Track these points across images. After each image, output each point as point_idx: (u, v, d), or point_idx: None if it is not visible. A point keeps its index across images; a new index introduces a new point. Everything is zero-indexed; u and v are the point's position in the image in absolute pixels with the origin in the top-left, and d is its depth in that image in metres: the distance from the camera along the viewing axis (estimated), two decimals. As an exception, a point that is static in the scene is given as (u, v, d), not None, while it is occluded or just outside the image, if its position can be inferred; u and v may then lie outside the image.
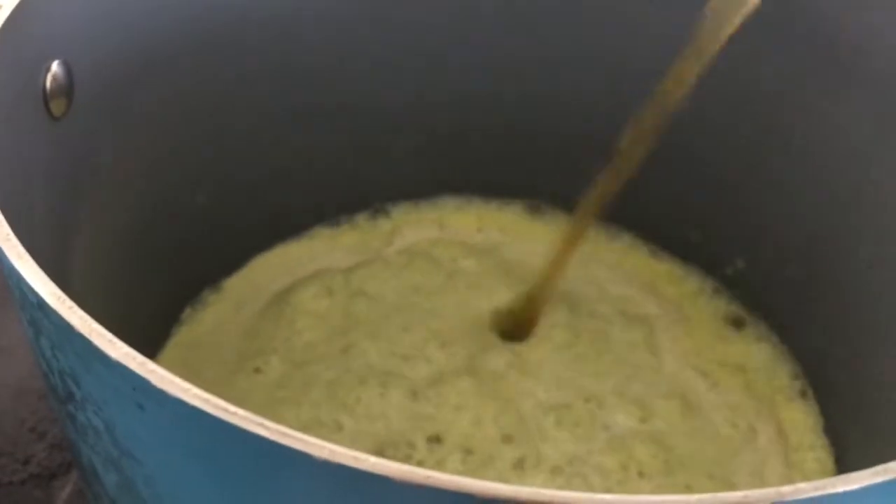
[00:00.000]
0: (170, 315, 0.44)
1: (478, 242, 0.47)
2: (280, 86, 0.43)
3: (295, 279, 0.45)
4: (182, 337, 0.43)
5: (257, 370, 0.42)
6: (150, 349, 0.42)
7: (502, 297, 0.44)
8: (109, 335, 0.21)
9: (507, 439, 0.39)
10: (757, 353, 0.44)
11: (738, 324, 0.45)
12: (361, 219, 0.48)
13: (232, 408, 0.20)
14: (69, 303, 0.22)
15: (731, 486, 0.40)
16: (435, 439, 0.39)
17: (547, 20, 0.44)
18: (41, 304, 0.23)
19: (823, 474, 0.40)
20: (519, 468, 0.38)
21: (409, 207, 0.48)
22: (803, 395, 0.43)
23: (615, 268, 0.47)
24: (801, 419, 0.42)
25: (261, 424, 0.20)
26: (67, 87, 0.31)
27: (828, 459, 0.41)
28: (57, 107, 0.31)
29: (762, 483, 0.40)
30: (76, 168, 0.34)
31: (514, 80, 0.46)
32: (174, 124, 0.40)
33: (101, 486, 0.27)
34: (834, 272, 0.42)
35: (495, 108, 0.47)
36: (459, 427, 0.39)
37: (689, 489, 0.39)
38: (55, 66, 0.31)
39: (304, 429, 0.25)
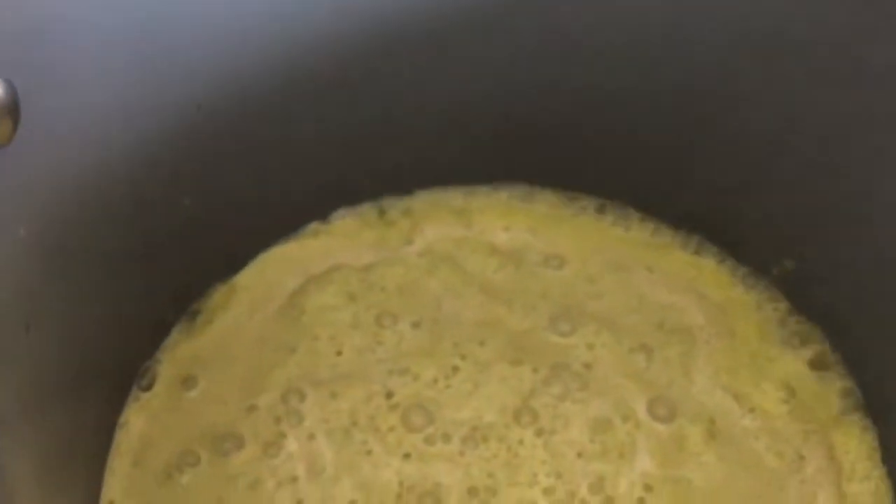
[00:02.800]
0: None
1: (505, 244, 0.43)
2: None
3: (308, 277, 0.42)
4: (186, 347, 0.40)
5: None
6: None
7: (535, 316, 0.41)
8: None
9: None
10: (805, 367, 0.40)
11: (786, 335, 0.41)
12: (376, 211, 0.44)
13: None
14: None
15: (776, 523, 0.37)
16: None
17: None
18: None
19: (880, 510, 0.37)
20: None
21: (427, 198, 0.45)
22: (858, 416, 0.39)
23: (655, 269, 0.43)
24: (855, 445, 0.39)
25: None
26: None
27: (886, 491, 0.37)
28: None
29: (812, 519, 0.37)
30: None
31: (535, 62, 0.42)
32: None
33: None
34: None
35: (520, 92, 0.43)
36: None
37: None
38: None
39: None
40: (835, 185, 0.39)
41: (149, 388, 0.39)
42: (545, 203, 0.44)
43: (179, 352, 0.40)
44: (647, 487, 0.37)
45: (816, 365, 0.40)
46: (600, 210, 0.44)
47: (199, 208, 0.40)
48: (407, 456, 0.37)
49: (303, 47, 0.39)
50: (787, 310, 0.41)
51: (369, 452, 0.37)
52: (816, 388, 0.40)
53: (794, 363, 0.40)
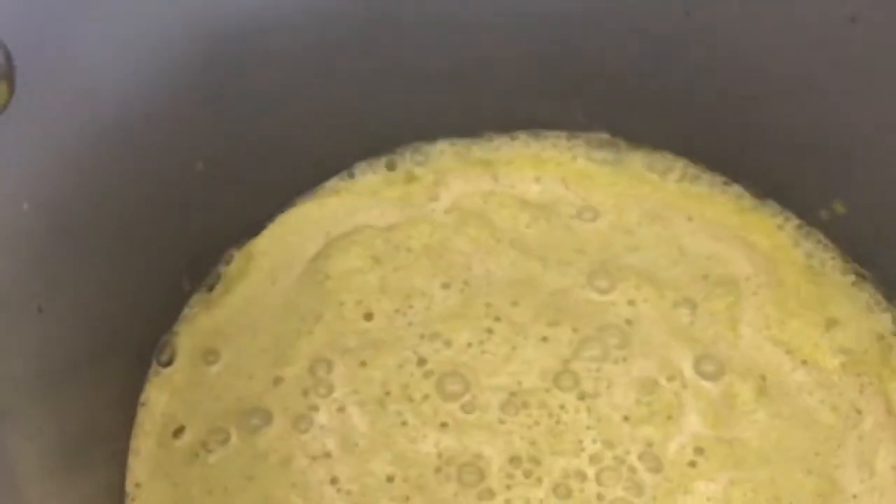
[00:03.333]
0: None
1: (536, 198, 0.41)
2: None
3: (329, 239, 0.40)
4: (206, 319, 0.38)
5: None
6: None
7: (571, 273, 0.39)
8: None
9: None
10: (858, 317, 0.38)
11: (838, 283, 0.39)
12: (395, 165, 0.42)
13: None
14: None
15: (834, 483, 0.35)
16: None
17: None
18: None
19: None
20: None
21: (450, 149, 0.42)
22: (917, 366, 0.37)
23: (696, 217, 0.41)
24: (915, 396, 0.37)
25: None
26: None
27: (950, 442, 0.36)
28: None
29: (873, 476, 0.35)
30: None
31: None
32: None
33: None
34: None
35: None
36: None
37: (775, 486, 0.34)
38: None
39: None
40: (873, 121, 0.37)
41: (169, 363, 0.37)
42: (576, 152, 0.42)
43: (199, 324, 0.38)
44: (699, 450, 0.35)
45: (871, 314, 0.38)
46: (634, 155, 0.42)
47: (212, 171, 0.37)
48: (444, 426, 0.35)
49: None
50: (839, 256, 0.39)
51: (404, 423, 0.35)
52: (871, 338, 0.38)
53: (846, 312, 0.38)
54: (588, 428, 0.35)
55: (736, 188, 0.41)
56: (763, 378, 0.37)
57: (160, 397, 0.36)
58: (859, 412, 0.36)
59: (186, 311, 0.38)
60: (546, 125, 0.43)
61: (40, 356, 0.31)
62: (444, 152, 0.42)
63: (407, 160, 0.42)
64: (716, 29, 0.38)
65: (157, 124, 0.34)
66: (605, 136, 0.42)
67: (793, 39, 0.36)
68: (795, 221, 0.40)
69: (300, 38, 0.37)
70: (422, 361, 0.37)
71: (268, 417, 0.36)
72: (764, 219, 0.40)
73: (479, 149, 0.42)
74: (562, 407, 0.36)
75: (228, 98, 0.36)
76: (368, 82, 0.40)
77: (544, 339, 0.37)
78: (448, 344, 0.37)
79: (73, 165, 0.32)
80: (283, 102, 0.39)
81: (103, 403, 0.35)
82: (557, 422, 0.35)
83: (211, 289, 0.39)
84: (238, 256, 0.40)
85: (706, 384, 0.36)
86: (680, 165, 0.41)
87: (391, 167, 0.42)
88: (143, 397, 0.36)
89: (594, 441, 0.35)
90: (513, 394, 0.36)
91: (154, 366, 0.37)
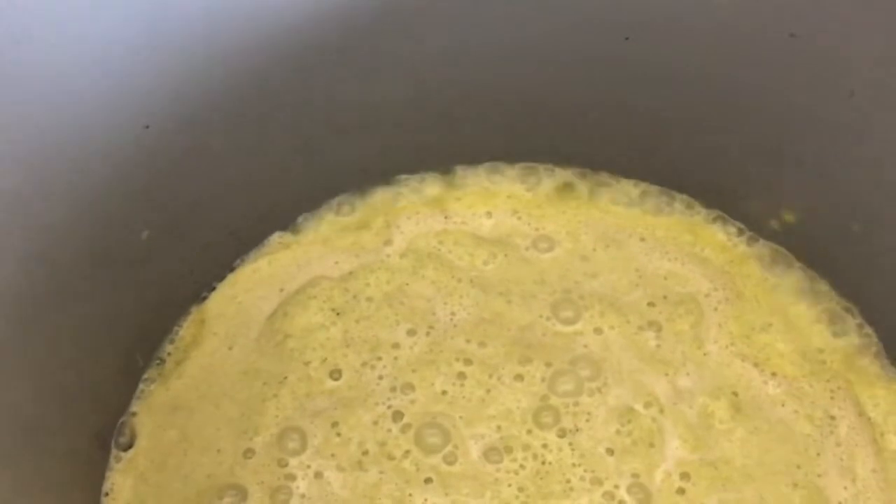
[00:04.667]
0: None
1: (490, 233, 0.40)
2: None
3: (285, 296, 0.39)
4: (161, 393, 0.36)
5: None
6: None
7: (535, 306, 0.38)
8: None
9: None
10: (820, 323, 0.39)
11: (797, 292, 0.39)
12: (342, 211, 0.41)
13: None
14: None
15: (820, 492, 0.35)
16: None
17: None
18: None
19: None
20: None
21: (393, 191, 0.41)
22: (879, 366, 0.38)
23: (648, 238, 0.40)
24: (883, 395, 0.37)
25: None
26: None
27: (921, 438, 0.36)
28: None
29: (856, 482, 0.35)
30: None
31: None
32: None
33: None
34: None
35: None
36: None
37: (764, 503, 0.34)
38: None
39: None
40: (820, 130, 0.38)
41: (129, 446, 0.35)
42: (524, 183, 0.42)
43: (156, 400, 0.36)
44: (685, 476, 0.35)
45: (832, 319, 0.39)
46: (580, 181, 0.42)
47: (158, 238, 0.35)
48: (428, 481, 0.34)
49: (239, 57, 0.35)
50: (794, 265, 0.40)
51: (386, 484, 0.34)
52: (834, 344, 0.38)
53: (806, 320, 0.39)
54: (574, 465, 0.35)
55: (684, 204, 0.41)
56: (735, 394, 0.37)
57: (125, 484, 0.34)
58: (833, 418, 0.37)
59: (142, 387, 0.36)
60: (491, 158, 0.42)
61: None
62: (389, 193, 0.41)
63: (354, 205, 0.41)
64: (653, 50, 0.38)
65: (101, 194, 0.32)
66: (548, 165, 0.42)
67: (733, 53, 0.37)
68: (747, 234, 0.40)
69: (235, 96, 0.36)
70: (397, 415, 0.35)
71: (243, 494, 0.34)
72: (715, 233, 0.41)
73: (426, 187, 0.41)
74: (545, 446, 0.35)
75: (170, 158, 0.35)
76: (306, 132, 0.38)
77: (518, 377, 0.36)
78: (422, 393, 0.36)
79: (24, 237, 0.30)
80: (222, 159, 0.37)
81: (63, 498, 0.33)
82: (543, 462, 0.35)
83: (164, 361, 0.37)
84: (190, 322, 0.38)
85: (682, 407, 0.36)
86: (627, 187, 0.41)
87: (338, 214, 0.41)
88: (105, 486, 0.34)
89: (581, 479, 0.34)
90: (494, 439, 0.35)
91: (114, 451, 0.35)
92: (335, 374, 0.36)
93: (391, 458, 0.34)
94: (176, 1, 0.31)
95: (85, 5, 0.30)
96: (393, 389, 0.36)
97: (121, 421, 0.35)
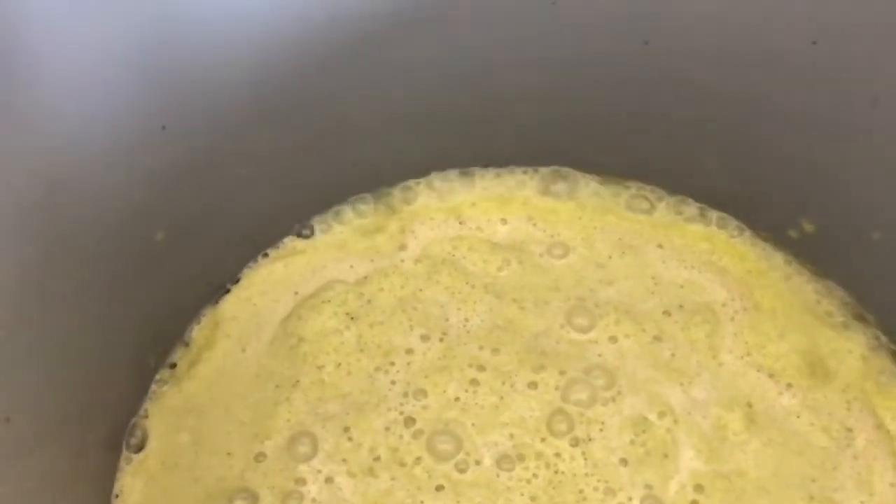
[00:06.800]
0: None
1: (504, 239, 0.40)
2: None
3: (299, 299, 0.38)
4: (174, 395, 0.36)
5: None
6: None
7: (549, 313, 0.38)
8: None
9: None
10: (837, 334, 0.38)
11: (813, 303, 0.39)
12: (358, 214, 0.40)
13: None
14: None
15: (836, 506, 0.35)
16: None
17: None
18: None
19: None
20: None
21: (409, 195, 0.41)
22: (898, 378, 0.37)
23: (666, 245, 0.40)
24: (902, 408, 0.37)
25: None
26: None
27: (940, 454, 0.36)
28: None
29: (873, 496, 0.35)
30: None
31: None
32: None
33: None
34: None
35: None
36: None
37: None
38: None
39: None
40: (841, 138, 0.37)
41: (140, 447, 0.35)
42: (539, 188, 0.41)
43: (168, 402, 0.36)
44: (699, 488, 0.34)
45: (850, 329, 0.38)
46: (597, 187, 0.41)
47: (172, 238, 0.35)
48: (440, 489, 0.34)
49: (256, 59, 0.35)
50: (812, 275, 0.39)
51: (398, 490, 0.34)
52: (851, 355, 0.38)
53: (824, 331, 0.38)
54: (587, 475, 0.34)
55: (702, 213, 0.41)
56: (749, 405, 0.36)
57: (135, 485, 0.34)
58: (850, 430, 0.36)
59: (154, 388, 0.36)
60: (506, 163, 0.42)
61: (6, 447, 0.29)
62: (404, 198, 0.41)
63: (369, 210, 0.41)
64: (673, 56, 0.37)
65: (117, 195, 0.32)
66: (566, 169, 0.42)
67: (752, 60, 0.36)
68: (766, 243, 0.40)
69: (250, 98, 0.35)
70: (409, 421, 0.35)
71: (253, 497, 0.34)
72: (733, 242, 0.40)
73: (442, 192, 0.41)
74: (558, 455, 0.35)
75: (185, 160, 0.35)
76: (321, 135, 0.38)
77: (531, 384, 0.36)
78: (435, 399, 0.36)
79: (27, 240, 0.30)
80: (237, 161, 0.37)
81: (74, 499, 0.32)
82: (556, 472, 0.34)
83: (177, 364, 0.37)
84: (203, 324, 0.38)
85: (696, 417, 0.36)
86: (644, 193, 0.41)
87: (353, 217, 0.40)
88: (116, 487, 0.34)
89: (595, 489, 0.34)
90: (507, 447, 0.35)
91: (125, 452, 0.35)
92: (347, 379, 0.36)
93: (403, 464, 0.34)
94: (193, 3, 0.31)
95: (101, 7, 0.29)
96: (405, 395, 0.36)
97: (132, 422, 0.35)
